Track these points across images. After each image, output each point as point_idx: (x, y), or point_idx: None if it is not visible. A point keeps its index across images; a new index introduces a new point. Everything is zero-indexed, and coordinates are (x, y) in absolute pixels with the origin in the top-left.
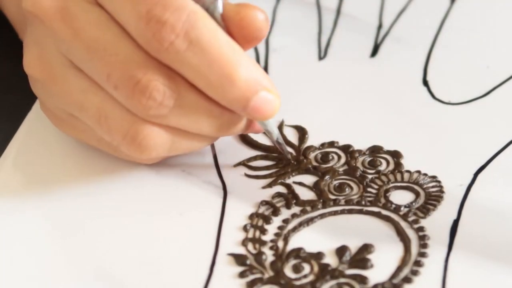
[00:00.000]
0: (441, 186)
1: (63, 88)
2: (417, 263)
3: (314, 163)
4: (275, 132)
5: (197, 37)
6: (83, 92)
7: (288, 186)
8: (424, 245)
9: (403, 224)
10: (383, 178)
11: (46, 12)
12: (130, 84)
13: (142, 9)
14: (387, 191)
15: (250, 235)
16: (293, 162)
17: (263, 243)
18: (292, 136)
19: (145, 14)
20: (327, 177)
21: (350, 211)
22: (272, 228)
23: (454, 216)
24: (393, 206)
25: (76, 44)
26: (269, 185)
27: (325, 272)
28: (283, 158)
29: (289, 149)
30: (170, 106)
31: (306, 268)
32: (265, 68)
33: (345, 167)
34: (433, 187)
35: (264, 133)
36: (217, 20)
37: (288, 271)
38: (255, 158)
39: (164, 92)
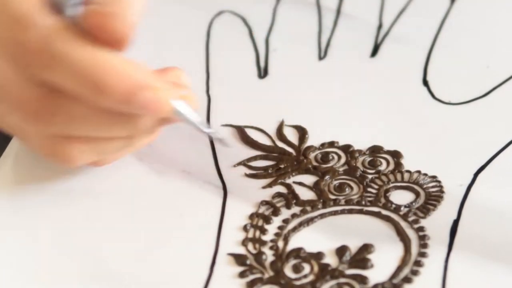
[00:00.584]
0: (441, 186)
1: None
2: (417, 263)
3: (314, 163)
4: (195, 120)
5: (57, 57)
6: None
7: (288, 186)
8: (424, 245)
9: (403, 224)
10: (383, 178)
11: None
12: (21, 112)
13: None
14: (387, 191)
15: (250, 235)
16: (228, 146)
17: (263, 243)
18: (292, 136)
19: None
20: (327, 177)
21: (350, 211)
22: (272, 228)
23: (454, 216)
24: (393, 206)
25: None
26: (269, 185)
27: (325, 272)
28: (283, 158)
29: (290, 149)
30: (60, 121)
31: (306, 268)
32: (265, 68)
33: (345, 167)
34: (433, 187)
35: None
36: (76, 24)
37: (288, 271)
38: (255, 158)
39: (53, 111)
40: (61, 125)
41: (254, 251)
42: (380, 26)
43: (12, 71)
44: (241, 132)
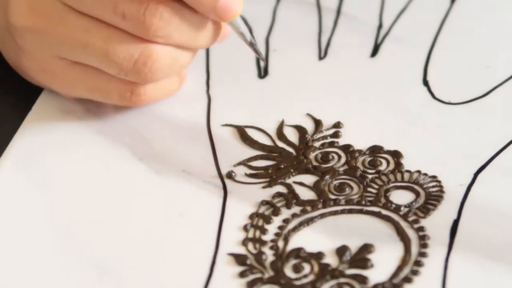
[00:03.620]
0: (441, 186)
1: (63, 32)
2: (417, 263)
3: (314, 163)
4: (248, 34)
5: None
6: (87, 31)
7: (288, 186)
8: (424, 245)
9: (403, 224)
10: (383, 178)
11: None
12: (141, 9)
13: None
14: (387, 191)
15: (250, 235)
16: (264, 62)
17: (263, 243)
18: (292, 136)
19: None
20: (327, 177)
21: (350, 211)
22: (272, 228)
23: (454, 216)
24: (393, 206)
25: None
26: (269, 185)
27: (325, 272)
28: (283, 155)
29: (290, 149)
30: (176, 23)
31: (306, 268)
32: (265, 68)
33: (345, 167)
34: (433, 187)
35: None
36: None
37: (288, 271)
38: (255, 158)
39: (169, 10)
40: (161, 28)
41: (254, 251)
42: (380, 26)
43: None
44: (241, 132)
